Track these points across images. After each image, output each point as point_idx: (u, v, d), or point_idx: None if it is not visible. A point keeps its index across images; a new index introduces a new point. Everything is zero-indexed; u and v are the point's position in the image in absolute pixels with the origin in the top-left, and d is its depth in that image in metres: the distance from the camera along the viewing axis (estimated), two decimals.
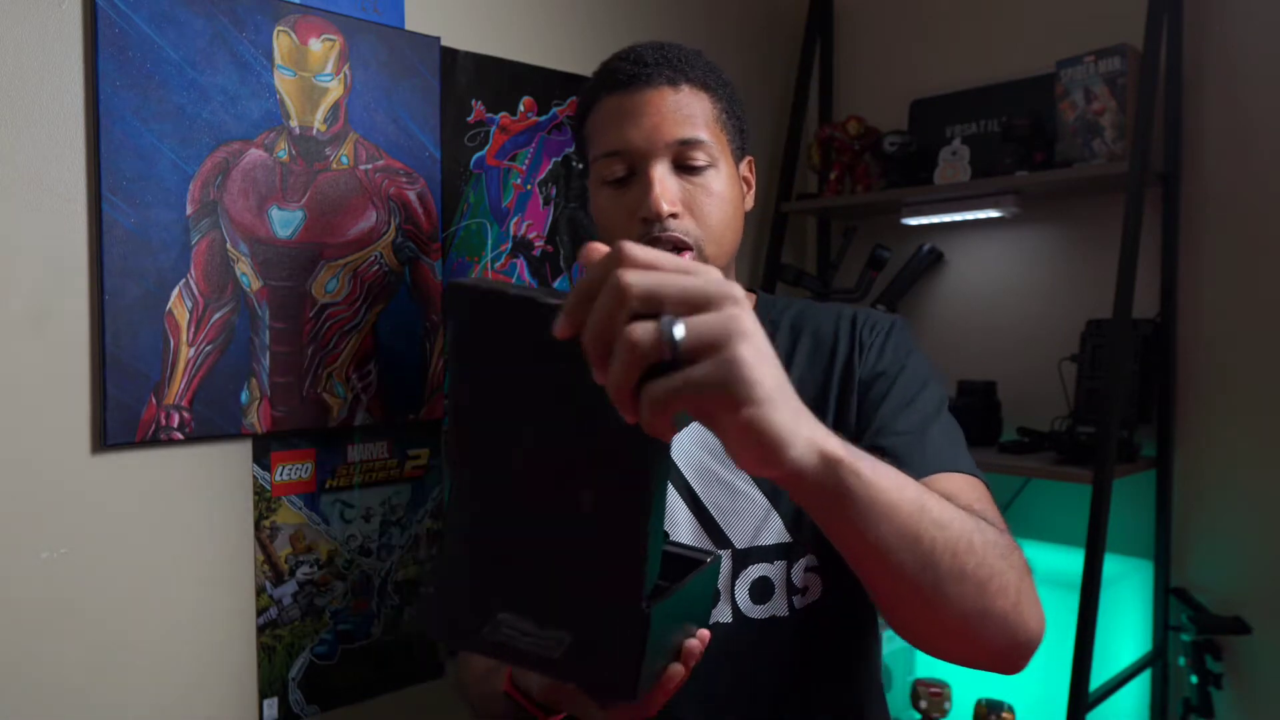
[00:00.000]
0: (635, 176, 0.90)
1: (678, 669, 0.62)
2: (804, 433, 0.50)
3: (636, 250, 0.46)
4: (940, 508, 0.62)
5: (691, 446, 0.93)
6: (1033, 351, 1.74)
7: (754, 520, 0.90)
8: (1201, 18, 1.57)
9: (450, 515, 0.58)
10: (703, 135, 0.89)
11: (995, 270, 1.83)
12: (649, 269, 0.45)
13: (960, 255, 1.87)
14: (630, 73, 0.90)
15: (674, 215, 0.88)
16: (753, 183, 1.01)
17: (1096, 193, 1.66)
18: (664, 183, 0.88)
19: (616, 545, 0.52)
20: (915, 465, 0.79)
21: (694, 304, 0.45)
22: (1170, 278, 1.59)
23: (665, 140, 0.88)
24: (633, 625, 0.53)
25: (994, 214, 1.71)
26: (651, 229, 0.88)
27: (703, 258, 0.89)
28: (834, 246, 2.01)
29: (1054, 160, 1.59)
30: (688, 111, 0.89)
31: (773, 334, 0.97)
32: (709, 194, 0.90)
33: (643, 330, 0.44)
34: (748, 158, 1.00)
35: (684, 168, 0.90)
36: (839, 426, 0.90)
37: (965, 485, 0.80)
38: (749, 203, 0.99)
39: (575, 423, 0.51)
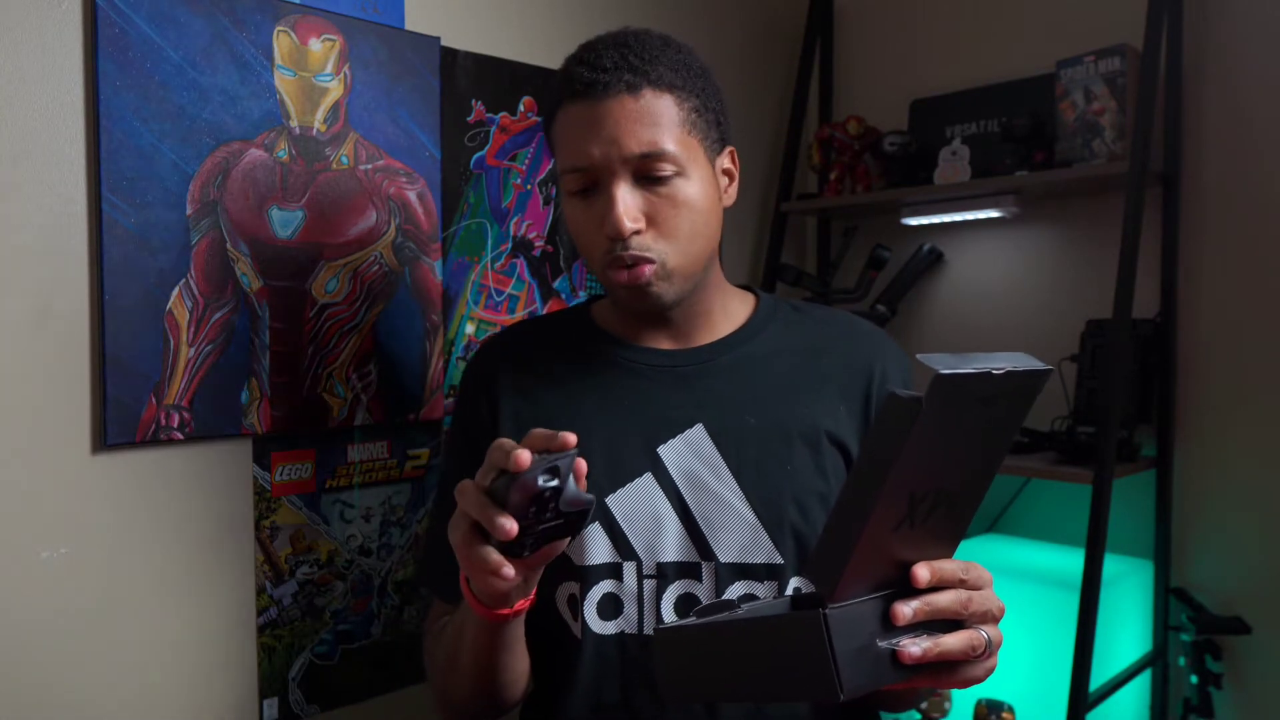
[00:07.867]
0: (599, 188, 0.90)
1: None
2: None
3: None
4: None
5: (685, 454, 0.93)
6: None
7: (740, 536, 0.90)
8: (1201, 18, 1.57)
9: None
10: (666, 145, 0.87)
11: (995, 270, 1.83)
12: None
13: (960, 255, 1.87)
14: (588, 79, 0.87)
15: (636, 232, 0.88)
16: (735, 174, 0.98)
17: (1096, 193, 1.66)
18: (624, 201, 0.87)
19: None
20: None
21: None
22: (1170, 278, 1.59)
23: (623, 155, 0.87)
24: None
25: (994, 214, 1.71)
26: (615, 247, 0.89)
27: (665, 271, 0.90)
28: (834, 246, 2.01)
29: (1054, 160, 1.59)
30: (650, 120, 0.87)
31: (777, 347, 0.99)
32: (674, 205, 0.89)
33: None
34: (728, 148, 0.97)
35: (647, 179, 0.88)
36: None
37: None
38: (730, 196, 0.97)
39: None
